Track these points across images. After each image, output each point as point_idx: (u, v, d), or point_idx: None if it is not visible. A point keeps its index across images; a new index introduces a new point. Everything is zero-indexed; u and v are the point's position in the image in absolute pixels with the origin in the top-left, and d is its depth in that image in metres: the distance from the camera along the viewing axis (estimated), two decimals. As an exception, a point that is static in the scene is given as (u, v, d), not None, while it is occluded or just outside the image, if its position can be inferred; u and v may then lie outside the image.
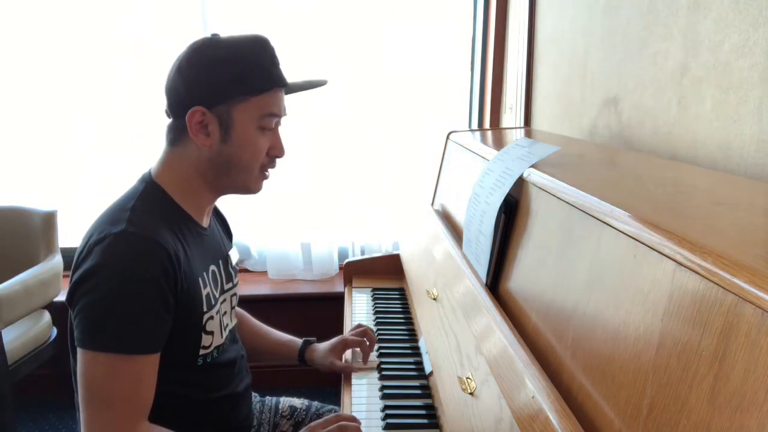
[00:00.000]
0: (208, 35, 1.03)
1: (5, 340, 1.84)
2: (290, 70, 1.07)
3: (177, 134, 1.03)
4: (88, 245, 0.94)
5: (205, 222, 1.11)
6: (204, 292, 1.03)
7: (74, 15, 2.39)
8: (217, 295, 1.09)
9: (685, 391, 0.52)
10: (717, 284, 0.50)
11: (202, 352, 1.04)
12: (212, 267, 1.10)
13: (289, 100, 1.10)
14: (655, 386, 0.57)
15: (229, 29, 2.30)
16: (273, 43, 1.05)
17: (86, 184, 2.51)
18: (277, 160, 1.09)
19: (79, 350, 0.91)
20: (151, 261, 0.92)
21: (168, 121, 1.05)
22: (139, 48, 2.42)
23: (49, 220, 2.18)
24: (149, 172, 1.05)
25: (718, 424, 0.48)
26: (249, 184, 1.07)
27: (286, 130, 1.09)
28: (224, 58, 0.99)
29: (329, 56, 2.46)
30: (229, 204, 1.22)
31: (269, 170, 1.09)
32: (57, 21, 2.39)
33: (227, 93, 0.99)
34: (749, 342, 0.46)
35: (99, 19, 2.40)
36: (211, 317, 1.05)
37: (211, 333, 1.05)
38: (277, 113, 1.04)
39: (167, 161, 1.05)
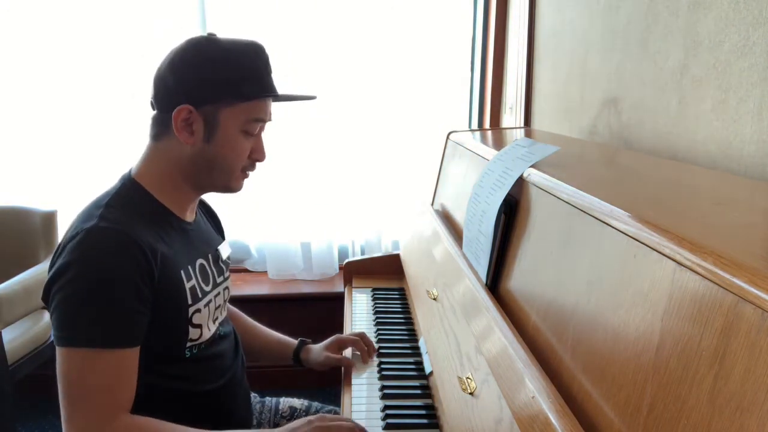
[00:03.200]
0: (205, 34, 1.03)
1: (5, 340, 1.84)
2: (289, 69, 1.07)
3: (161, 129, 1.03)
4: (62, 243, 0.95)
5: (189, 217, 1.11)
6: (188, 285, 1.03)
7: (74, 15, 2.39)
8: (206, 289, 1.09)
9: (685, 391, 0.52)
10: (717, 284, 0.50)
11: (189, 344, 1.04)
12: (200, 261, 1.10)
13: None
14: (655, 386, 0.57)
15: (228, 27, 2.32)
16: (271, 40, 1.05)
17: (86, 184, 2.50)
18: (279, 160, 1.10)
19: (56, 348, 0.91)
20: (121, 254, 0.92)
21: (152, 113, 1.04)
22: (140, 48, 2.42)
23: (49, 220, 2.18)
24: (129, 170, 1.06)
25: (718, 424, 0.48)
26: (230, 184, 1.08)
27: (286, 129, 1.10)
28: (219, 60, 0.99)
29: (329, 55, 2.45)
30: (228, 203, 1.23)
31: (249, 171, 1.10)
32: (57, 21, 2.39)
33: (217, 95, 0.99)
34: (749, 342, 0.46)
35: (100, 19, 2.40)
36: (198, 310, 1.05)
37: (199, 326, 1.05)
38: (263, 119, 1.05)
39: (149, 157, 1.05)
